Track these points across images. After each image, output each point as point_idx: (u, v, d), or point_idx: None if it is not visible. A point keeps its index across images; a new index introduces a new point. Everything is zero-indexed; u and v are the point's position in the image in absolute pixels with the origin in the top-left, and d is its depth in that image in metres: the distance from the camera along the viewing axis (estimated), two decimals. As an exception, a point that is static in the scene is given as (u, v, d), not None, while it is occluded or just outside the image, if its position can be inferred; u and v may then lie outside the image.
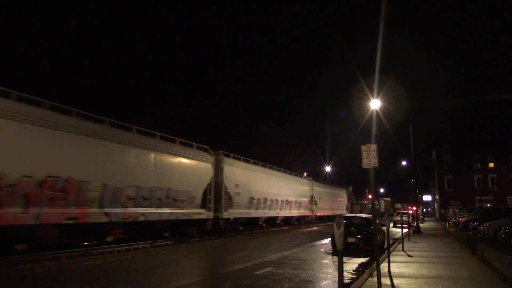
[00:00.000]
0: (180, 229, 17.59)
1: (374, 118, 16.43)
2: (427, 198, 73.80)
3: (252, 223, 25.35)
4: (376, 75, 20.04)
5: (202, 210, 18.62)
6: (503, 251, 13.60)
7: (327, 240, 18.90)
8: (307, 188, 36.03)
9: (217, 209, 19.65)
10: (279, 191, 28.39)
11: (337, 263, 6.05)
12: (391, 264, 9.95)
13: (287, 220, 31.72)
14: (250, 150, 36.44)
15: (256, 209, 24.28)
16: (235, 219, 21.62)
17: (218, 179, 20.04)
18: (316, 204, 37.17)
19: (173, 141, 17.60)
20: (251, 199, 23.51)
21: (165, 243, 15.83)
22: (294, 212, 32.04)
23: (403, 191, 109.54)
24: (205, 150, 19.78)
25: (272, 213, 27.46)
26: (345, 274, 9.69)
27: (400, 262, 11.38)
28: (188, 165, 18.00)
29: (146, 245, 14.76)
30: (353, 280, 8.89)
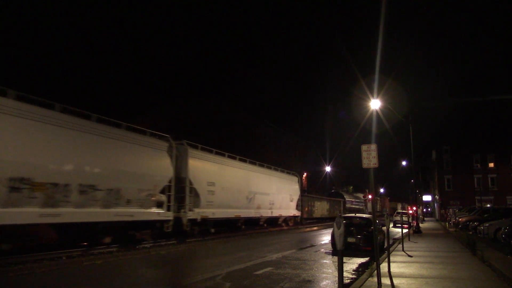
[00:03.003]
0: None
1: (374, 118, 16.46)
2: (427, 198, 73.84)
3: None
4: (376, 75, 20.10)
5: None
6: (503, 251, 13.60)
7: (327, 240, 18.93)
8: (162, 162, 16.67)
9: None
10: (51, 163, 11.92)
11: (337, 263, 6.05)
12: (391, 264, 9.95)
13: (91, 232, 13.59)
14: (250, 150, 36.44)
15: None
16: None
17: None
18: (198, 196, 18.44)
19: None
20: None
21: (165, 242, 15.82)
22: (102, 215, 13.23)
23: (403, 191, 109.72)
24: None
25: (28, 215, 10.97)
26: (345, 274, 9.69)
27: (400, 262, 11.38)
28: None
29: (146, 245, 14.78)
30: (353, 280, 8.89)
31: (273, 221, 28.53)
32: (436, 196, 66.22)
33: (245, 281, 8.66)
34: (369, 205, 59.13)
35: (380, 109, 19.64)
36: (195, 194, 18.30)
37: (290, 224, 31.42)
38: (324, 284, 8.78)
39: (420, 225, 29.54)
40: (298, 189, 33.35)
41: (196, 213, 18.12)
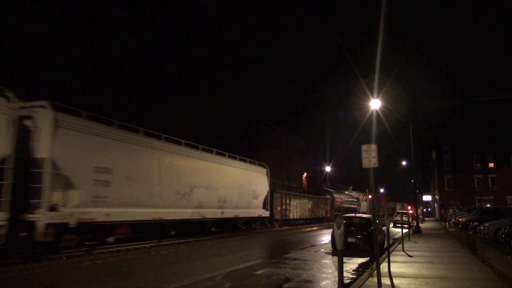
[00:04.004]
0: None
1: (374, 118, 16.46)
2: (427, 198, 73.86)
3: None
4: (376, 75, 20.07)
5: None
6: (503, 251, 13.60)
7: (327, 240, 18.93)
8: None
9: None
10: None
11: (337, 263, 6.04)
12: (391, 264, 9.95)
13: None
14: (250, 150, 36.44)
15: None
16: None
17: None
18: (74, 188, 12.30)
19: None
20: None
21: (165, 242, 15.81)
22: None
23: (403, 191, 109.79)
24: None
25: None
26: (345, 274, 9.69)
27: (400, 262, 11.38)
28: None
29: (146, 245, 14.78)
30: (353, 280, 8.88)
31: (227, 224, 22.46)
32: (436, 196, 66.22)
33: (245, 281, 8.67)
34: (363, 204, 55.28)
35: (380, 109, 19.63)
36: (66, 185, 12.09)
37: (255, 226, 25.54)
38: (324, 284, 8.77)
39: (420, 225, 29.54)
40: (266, 183, 26.46)
41: (66, 214, 11.95)
